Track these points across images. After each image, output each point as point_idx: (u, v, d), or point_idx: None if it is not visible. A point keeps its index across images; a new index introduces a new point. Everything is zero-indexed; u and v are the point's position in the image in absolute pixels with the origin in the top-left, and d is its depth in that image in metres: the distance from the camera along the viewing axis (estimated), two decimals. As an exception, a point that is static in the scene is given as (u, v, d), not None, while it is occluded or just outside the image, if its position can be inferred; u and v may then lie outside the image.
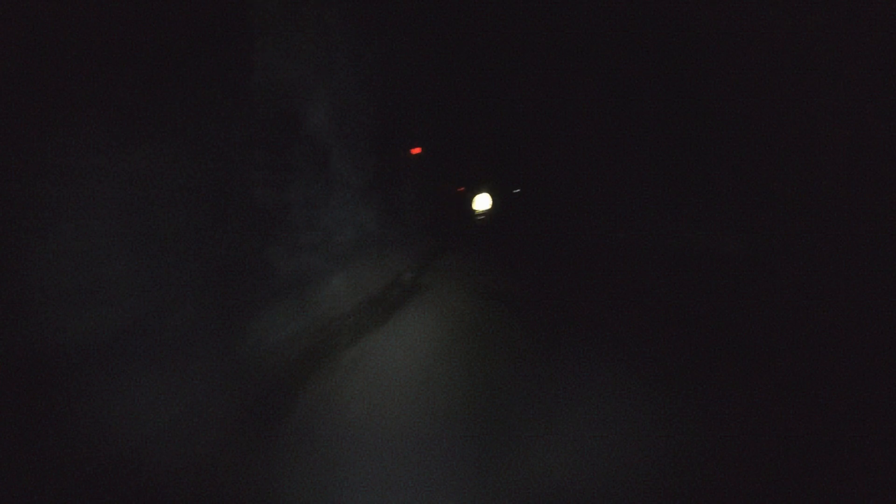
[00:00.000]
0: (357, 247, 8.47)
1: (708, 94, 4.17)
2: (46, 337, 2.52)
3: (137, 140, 3.51)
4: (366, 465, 2.26)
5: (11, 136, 2.44)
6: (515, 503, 2.03)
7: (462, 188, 18.55)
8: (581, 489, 2.08)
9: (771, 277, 3.72)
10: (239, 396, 3.02)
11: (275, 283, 5.15)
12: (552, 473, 2.17)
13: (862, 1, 2.64)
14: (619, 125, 6.43)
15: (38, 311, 2.50)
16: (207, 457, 2.32)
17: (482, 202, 20.31)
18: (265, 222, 5.36)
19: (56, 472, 2.04)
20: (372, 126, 8.66)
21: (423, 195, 12.64)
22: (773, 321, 3.63)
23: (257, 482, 2.14)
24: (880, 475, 2.12)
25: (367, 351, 3.82)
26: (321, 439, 2.50)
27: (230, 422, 2.68)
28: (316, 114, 6.69)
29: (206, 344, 3.53)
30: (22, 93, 2.49)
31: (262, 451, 2.39)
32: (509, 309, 5.00)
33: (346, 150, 7.53)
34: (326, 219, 7.55)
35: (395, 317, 4.76)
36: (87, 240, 2.99)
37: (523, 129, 13.33)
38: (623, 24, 4.95)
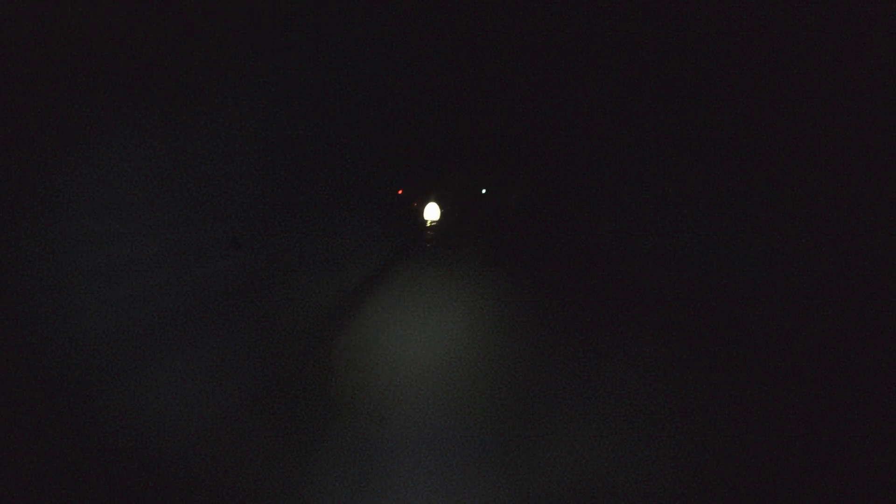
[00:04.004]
0: (356, 246, 7.91)
1: (708, 96, 4.16)
2: (55, 333, 2.41)
3: (157, 138, 3.48)
4: (382, 462, 2.27)
5: (21, 134, 2.38)
6: (523, 500, 2.04)
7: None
8: (591, 486, 2.10)
9: (773, 278, 3.70)
10: (255, 392, 3.03)
11: (281, 281, 5.02)
12: (563, 472, 2.19)
13: (862, 1, 2.65)
14: (617, 126, 6.41)
15: (43, 310, 2.42)
16: (223, 454, 2.34)
17: (431, 212, 16.58)
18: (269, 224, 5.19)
19: (69, 467, 2.01)
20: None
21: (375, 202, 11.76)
22: (777, 322, 3.59)
23: (275, 478, 2.14)
24: (880, 475, 2.12)
25: (380, 347, 3.85)
26: (337, 436, 2.51)
27: (249, 420, 2.70)
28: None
29: (216, 340, 3.45)
30: (28, 92, 2.41)
31: (281, 448, 2.40)
32: (519, 309, 5.00)
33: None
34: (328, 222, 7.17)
35: (406, 316, 4.79)
36: (98, 232, 2.94)
37: (517, 129, 12.95)
38: (623, 22, 4.92)
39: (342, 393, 3.03)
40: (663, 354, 3.70)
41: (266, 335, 4.03)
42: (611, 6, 4.73)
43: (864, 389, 2.74)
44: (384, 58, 8.58)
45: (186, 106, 4.08)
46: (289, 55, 5.72)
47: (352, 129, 8.80)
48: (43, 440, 2.00)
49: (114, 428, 2.32)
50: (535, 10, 6.15)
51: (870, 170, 2.83)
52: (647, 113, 5.34)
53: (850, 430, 2.50)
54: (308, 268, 6.42)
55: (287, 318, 4.68)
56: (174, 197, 3.95)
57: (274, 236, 5.97)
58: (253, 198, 5.28)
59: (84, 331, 2.59)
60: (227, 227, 4.73)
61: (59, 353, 2.35)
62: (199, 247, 4.33)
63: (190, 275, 3.87)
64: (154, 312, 3.25)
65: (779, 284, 3.60)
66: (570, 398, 2.99)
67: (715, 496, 2.06)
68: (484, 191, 17.32)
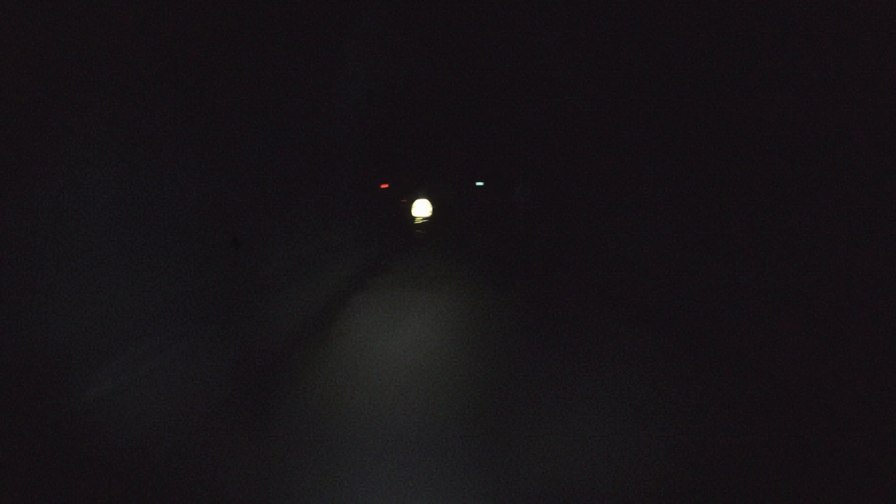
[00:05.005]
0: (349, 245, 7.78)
1: (703, 96, 4.09)
2: (44, 334, 2.41)
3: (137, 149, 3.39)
4: (367, 464, 2.24)
5: (17, 140, 2.36)
6: (513, 499, 2.03)
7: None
8: (581, 487, 2.08)
9: (766, 278, 3.64)
10: (240, 395, 3.03)
11: (269, 280, 4.97)
12: (551, 471, 2.17)
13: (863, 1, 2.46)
14: (611, 122, 6.31)
15: (37, 308, 2.43)
16: (209, 456, 2.32)
17: (421, 208, 14.77)
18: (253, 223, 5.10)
19: (54, 469, 2.00)
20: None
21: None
22: (769, 320, 3.55)
23: (259, 481, 2.13)
24: (878, 475, 2.09)
25: (367, 348, 3.78)
26: (322, 438, 2.49)
27: (232, 421, 2.70)
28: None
29: (204, 339, 3.42)
30: (27, 99, 2.38)
31: (263, 450, 2.38)
32: (510, 309, 4.93)
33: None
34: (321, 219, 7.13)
35: (396, 314, 4.73)
36: (89, 238, 2.93)
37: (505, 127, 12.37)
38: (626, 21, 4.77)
39: (333, 394, 3.00)
40: (657, 351, 3.67)
41: (250, 337, 3.99)
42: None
43: (857, 387, 2.72)
44: (369, 49, 8.32)
45: (161, 104, 3.90)
46: (269, 51, 5.53)
47: (333, 122, 8.51)
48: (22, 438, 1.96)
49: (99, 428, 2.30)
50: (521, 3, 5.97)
51: (868, 171, 2.78)
52: (641, 110, 5.27)
53: (844, 429, 2.49)
54: (291, 268, 6.25)
55: (271, 320, 4.59)
56: (149, 199, 3.82)
57: (254, 237, 5.80)
58: (233, 197, 5.14)
59: (67, 330, 2.55)
60: (214, 227, 4.62)
61: (38, 353, 2.29)
62: (182, 249, 4.23)
63: (170, 277, 3.73)
64: (137, 314, 3.19)
65: (772, 284, 3.56)
66: (563, 396, 2.97)
67: (708, 492, 2.06)
68: (480, 183, 15.08)
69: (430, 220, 15.01)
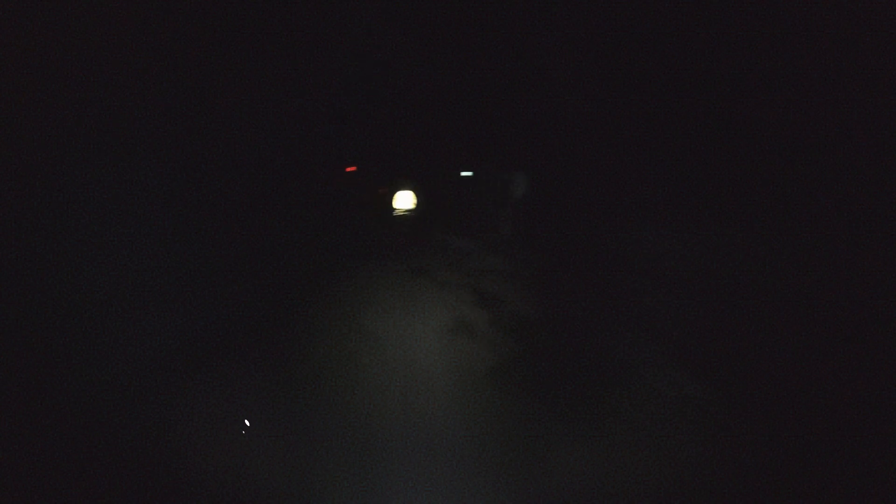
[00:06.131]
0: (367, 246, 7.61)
1: (705, 104, 4.00)
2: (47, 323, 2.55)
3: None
4: (388, 467, 2.25)
5: (58, 147, 2.52)
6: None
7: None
8: (581, 487, 2.07)
9: (771, 283, 3.60)
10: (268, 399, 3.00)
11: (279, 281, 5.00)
12: (549, 473, 2.16)
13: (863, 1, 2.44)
14: (611, 119, 6.17)
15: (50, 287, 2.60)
16: (225, 456, 2.33)
17: (404, 200, 12.93)
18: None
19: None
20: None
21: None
22: (768, 324, 3.53)
23: (282, 483, 2.13)
24: (878, 475, 2.14)
25: (383, 351, 3.75)
26: (340, 438, 2.49)
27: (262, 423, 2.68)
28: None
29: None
30: (26, 99, 2.44)
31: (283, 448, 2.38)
32: (525, 316, 4.89)
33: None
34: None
35: (413, 317, 4.67)
36: (92, 233, 3.07)
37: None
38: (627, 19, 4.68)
39: (329, 395, 3.00)
40: (657, 352, 3.66)
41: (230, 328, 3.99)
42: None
43: (857, 386, 2.74)
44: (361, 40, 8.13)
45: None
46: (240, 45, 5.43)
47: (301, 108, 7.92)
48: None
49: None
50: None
51: (868, 171, 2.73)
52: (641, 110, 5.16)
53: (844, 429, 2.51)
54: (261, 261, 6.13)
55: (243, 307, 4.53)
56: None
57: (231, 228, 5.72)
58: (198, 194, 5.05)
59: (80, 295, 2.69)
60: (186, 219, 4.60)
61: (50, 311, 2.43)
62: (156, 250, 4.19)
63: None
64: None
65: (772, 284, 3.53)
66: (563, 397, 2.97)
67: (708, 492, 2.07)
68: (464, 174, 12.40)
69: (413, 213, 12.58)
